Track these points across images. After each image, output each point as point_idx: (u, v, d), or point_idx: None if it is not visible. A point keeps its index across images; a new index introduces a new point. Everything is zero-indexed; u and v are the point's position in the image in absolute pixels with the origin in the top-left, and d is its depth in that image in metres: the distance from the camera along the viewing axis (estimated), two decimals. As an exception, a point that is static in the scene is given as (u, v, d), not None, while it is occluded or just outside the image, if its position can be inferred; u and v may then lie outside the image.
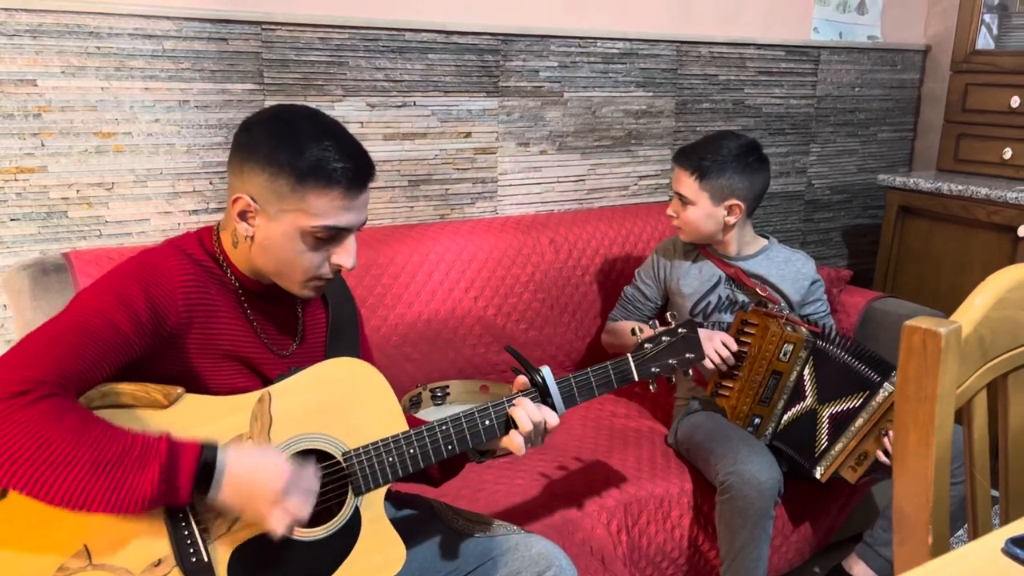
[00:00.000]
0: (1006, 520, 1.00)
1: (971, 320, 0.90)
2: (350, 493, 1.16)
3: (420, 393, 1.91)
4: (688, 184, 1.84)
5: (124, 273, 1.11)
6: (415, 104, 2.11)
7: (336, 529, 1.14)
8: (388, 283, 1.93)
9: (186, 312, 1.12)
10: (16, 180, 1.70)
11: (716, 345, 1.73)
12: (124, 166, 1.80)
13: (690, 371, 1.38)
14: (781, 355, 1.73)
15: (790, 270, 1.93)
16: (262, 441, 1.11)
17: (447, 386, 1.96)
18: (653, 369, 1.34)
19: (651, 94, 2.49)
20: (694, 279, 1.93)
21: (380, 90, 2.05)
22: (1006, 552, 0.77)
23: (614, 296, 2.26)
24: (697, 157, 1.83)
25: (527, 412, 1.22)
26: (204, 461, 1.01)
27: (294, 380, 1.15)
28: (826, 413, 1.72)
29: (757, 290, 1.87)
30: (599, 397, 2.15)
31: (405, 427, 1.19)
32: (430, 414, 1.89)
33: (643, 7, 2.43)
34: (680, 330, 1.36)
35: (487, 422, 1.22)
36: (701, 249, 1.95)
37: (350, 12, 1.97)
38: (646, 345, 1.34)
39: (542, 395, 1.26)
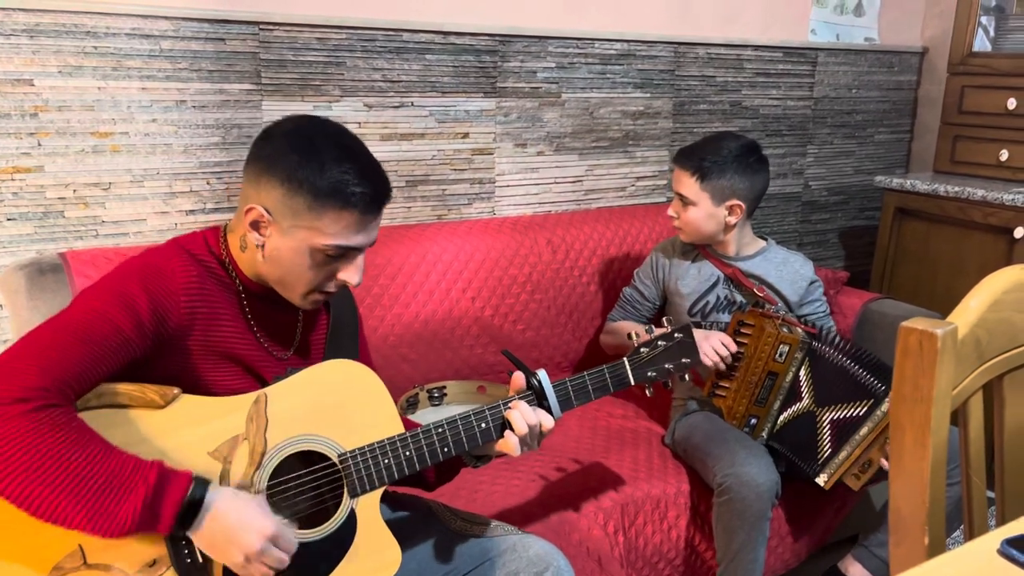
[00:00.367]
0: (1002, 521, 1.00)
1: (967, 321, 0.91)
2: (346, 495, 1.15)
3: (417, 394, 1.91)
4: (689, 185, 1.84)
5: (127, 273, 1.11)
6: (413, 105, 2.11)
7: (331, 531, 1.14)
8: (385, 283, 1.93)
9: (188, 313, 1.12)
10: (13, 180, 1.70)
11: (714, 344, 1.74)
12: (121, 166, 1.79)
13: (687, 376, 1.38)
14: (777, 356, 1.73)
15: (788, 271, 1.93)
16: (257, 442, 1.11)
17: (444, 387, 1.96)
18: (649, 373, 1.34)
19: (649, 95, 2.50)
20: (692, 279, 1.93)
21: (378, 90, 2.05)
22: (1002, 553, 0.78)
23: (611, 297, 2.26)
24: (698, 158, 1.84)
25: (523, 415, 1.22)
26: (192, 497, 1.00)
27: (290, 382, 1.15)
28: (826, 418, 1.71)
29: (755, 290, 1.87)
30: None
31: (401, 429, 1.19)
32: (427, 414, 1.89)
33: (641, 8, 2.43)
34: (676, 335, 1.36)
35: (483, 425, 1.22)
36: (700, 249, 1.95)
37: (348, 12, 1.97)
38: (642, 349, 1.34)
39: (538, 398, 1.26)
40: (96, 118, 1.75)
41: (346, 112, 2.02)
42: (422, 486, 1.37)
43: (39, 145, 1.71)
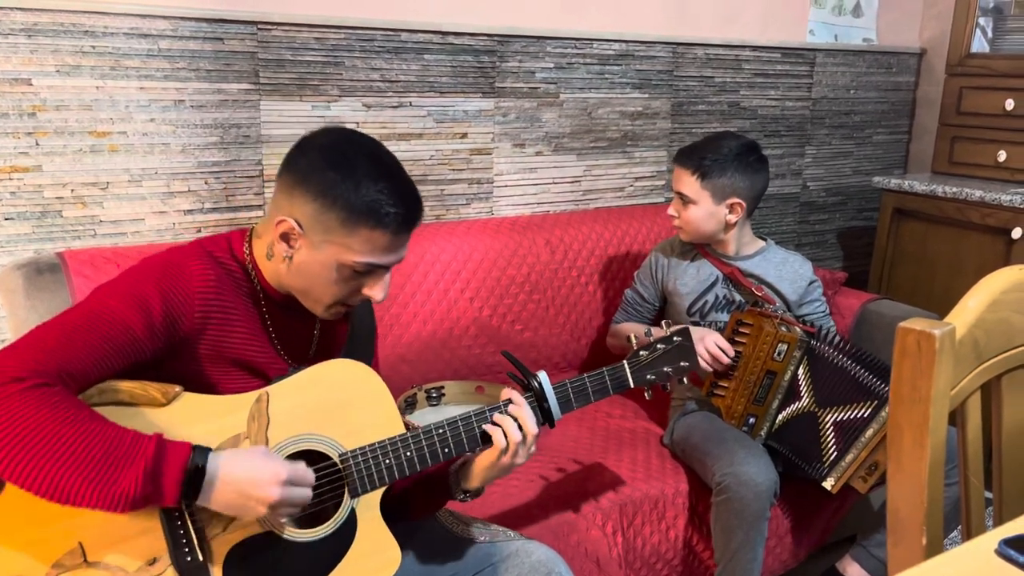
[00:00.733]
0: (1000, 521, 1.00)
1: (965, 322, 0.91)
2: (346, 495, 1.15)
3: (415, 394, 1.91)
4: (690, 183, 1.85)
5: (145, 272, 1.11)
6: (411, 105, 2.11)
7: (332, 531, 1.14)
8: (383, 284, 1.93)
9: (201, 317, 1.12)
10: (10, 179, 1.70)
11: (708, 345, 1.74)
12: (119, 166, 1.79)
13: (685, 379, 1.38)
14: (775, 355, 1.73)
15: (788, 270, 1.93)
16: (259, 440, 1.11)
17: (442, 387, 1.96)
18: (648, 376, 1.35)
19: (647, 95, 2.50)
20: (691, 278, 1.93)
21: (376, 90, 2.05)
22: (999, 553, 0.78)
23: (610, 297, 2.26)
24: (698, 156, 1.84)
25: (506, 430, 1.21)
26: (194, 465, 1.00)
27: (292, 381, 1.15)
28: (829, 419, 1.70)
29: (753, 290, 1.88)
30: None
31: (402, 429, 1.19)
32: (425, 415, 1.89)
33: (639, 9, 2.43)
34: (675, 338, 1.37)
35: (484, 426, 1.22)
36: (699, 249, 1.95)
37: (346, 12, 1.97)
38: (641, 353, 1.35)
39: (538, 400, 1.26)
40: (94, 117, 1.75)
41: (344, 112, 2.02)
42: (404, 516, 1.32)
43: (37, 144, 1.70)
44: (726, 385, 1.77)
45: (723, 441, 1.72)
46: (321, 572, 1.13)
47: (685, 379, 1.39)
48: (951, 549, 0.80)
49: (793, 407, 1.76)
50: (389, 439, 1.17)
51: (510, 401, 1.23)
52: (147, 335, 1.06)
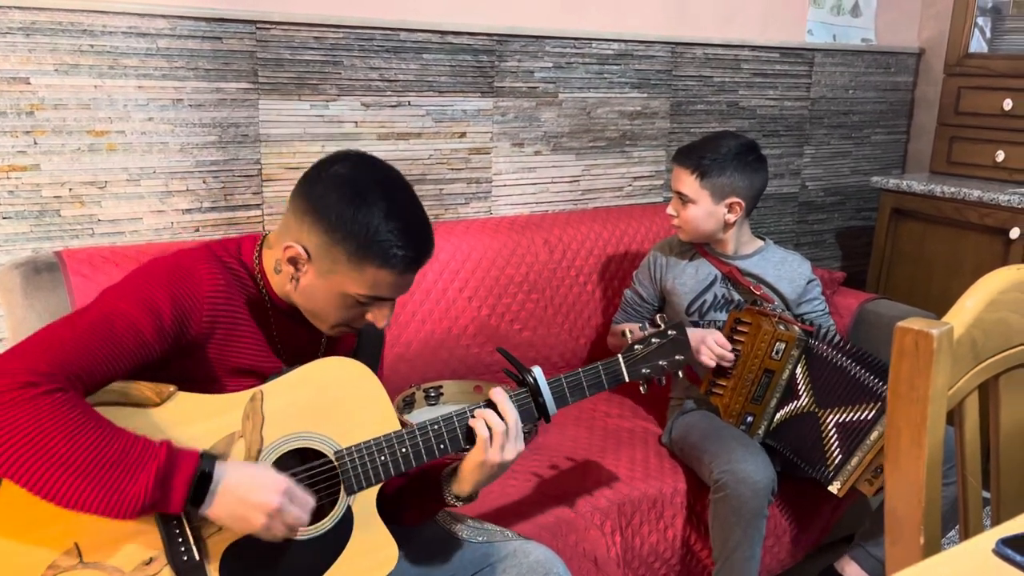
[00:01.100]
0: (997, 521, 1.00)
1: (963, 321, 0.91)
2: (342, 492, 1.15)
3: (414, 393, 1.91)
4: (689, 183, 1.85)
5: (154, 274, 1.11)
6: (410, 104, 2.11)
7: (328, 528, 1.14)
8: (382, 283, 1.93)
9: (209, 322, 1.12)
10: (8, 178, 1.69)
11: (709, 344, 1.74)
12: (117, 165, 1.79)
13: (680, 372, 1.38)
14: (773, 353, 1.73)
15: (786, 270, 1.93)
16: (254, 440, 1.11)
17: (441, 386, 1.96)
18: (644, 370, 1.35)
19: (646, 95, 2.50)
20: (690, 278, 1.93)
21: (375, 90, 2.05)
22: (997, 553, 0.78)
23: (609, 296, 2.26)
24: (697, 156, 1.84)
25: (487, 420, 1.20)
26: (201, 471, 1.01)
27: (286, 379, 1.15)
28: (831, 420, 1.70)
29: (752, 289, 1.88)
30: (593, 398, 2.16)
31: (397, 426, 1.19)
32: (424, 414, 1.88)
33: (638, 8, 2.43)
34: (669, 332, 1.37)
35: (468, 420, 1.22)
36: (698, 248, 1.95)
37: (345, 11, 1.97)
38: (636, 347, 1.35)
39: (533, 395, 1.26)
40: (92, 116, 1.74)
41: (343, 111, 2.02)
42: (397, 521, 1.29)
43: (35, 143, 1.70)
44: (724, 384, 1.78)
45: (721, 439, 1.72)
46: (318, 570, 1.13)
47: (680, 373, 1.39)
48: (949, 548, 0.80)
49: (791, 406, 1.76)
50: (384, 436, 1.17)
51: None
52: (156, 338, 1.06)
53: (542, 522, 1.60)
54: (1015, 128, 2.59)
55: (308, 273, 1.14)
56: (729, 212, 1.86)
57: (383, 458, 1.16)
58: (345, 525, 1.15)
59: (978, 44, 2.75)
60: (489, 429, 1.19)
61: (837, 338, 1.75)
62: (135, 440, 0.99)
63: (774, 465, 1.71)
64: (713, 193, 1.84)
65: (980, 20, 2.74)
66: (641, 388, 1.37)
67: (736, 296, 1.90)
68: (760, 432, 1.78)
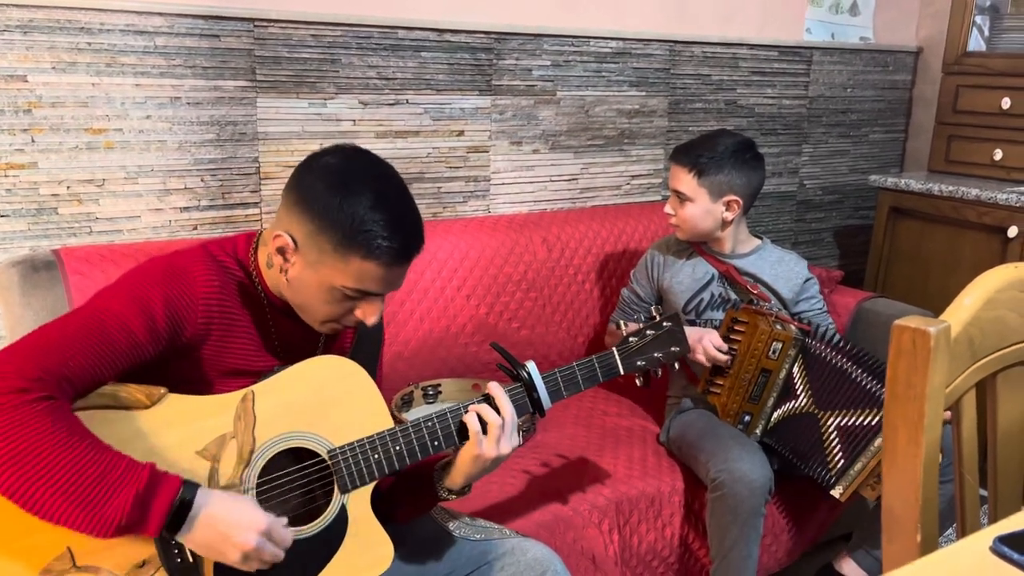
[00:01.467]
0: (994, 519, 1.00)
1: (960, 320, 0.91)
2: (336, 491, 1.15)
3: (412, 391, 1.91)
4: (686, 181, 1.85)
5: (149, 275, 1.10)
6: (408, 102, 2.11)
7: (322, 528, 1.14)
8: (380, 281, 1.93)
9: (204, 324, 1.12)
10: (6, 176, 1.69)
11: (705, 344, 1.74)
12: (115, 163, 1.79)
13: (676, 364, 1.37)
14: (770, 353, 1.73)
15: (783, 269, 1.93)
16: (246, 440, 1.11)
17: (439, 384, 1.96)
18: (639, 362, 1.34)
19: (644, 93, 2.50)
20: (687, 277, 1.93)
21: (373, 88, 2.05)
22: (994, 551, 0.78)
23: (607, 295, 2.26)
24: (695, 154, 1.84)
25: (482, 414, 1.19)
26: (181, 499, 0.99)
27: (278, 378, 1.14)
28: (832, 423, 1.69)
29: (749, 288, 1.88)
30: (591, 397, 2.16)
31: (390, 424, 1.18)
32: (422, 412, 1.88)
33: (637, 7, 2.43)
34: (664, 324, 1.36)
35: (463, 416, 1.21)
36: (695, 247, 1.95)
37: (343, 9, 1.97)
38: (631, 339, 1.34)
39: (528, 389, 1.25)
40: (90, 114, 1.74)
41: (341, 109, 2.02)
42: (392, 519, 1.29)
43: (33, 141, 1.70)
44: (721, 383, 1.78)
45: (718, 438, 1.72)
46: (313, 569, 1.13)
47: (676, 365, 1.38)
48: (946, 546, 0.80)
49: (789, 405, 1.76)
50: (377, 434, 1.17)
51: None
52: (149, 339, 1.06)
53: (540, 520, 1.60)
54: (1013, 127, 2.59)
55: (296, 264, 1.13)
56: (727, 210, 1.86)
57: (377, 456, 1.16)
58: (339, 524, 1.15)
59: (976, 43, 2.75)
60: (484, 423, 1.19)
61: (836, 338, 1.75)
62: (119, 459, 0.97)
63: (771, 464, 1.71)
64: (711, 191, 1.84)
65: (978, 19, 2.74)
66: (637, 381, 1.36)
67: (733, 295, 1.90)
68: (758, 431, 1.78)
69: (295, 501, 1.16)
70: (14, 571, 1.00)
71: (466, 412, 1.20)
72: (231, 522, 1.02)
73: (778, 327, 1.73)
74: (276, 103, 1.94)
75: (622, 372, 1.33)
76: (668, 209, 1.92)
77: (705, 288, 1.91)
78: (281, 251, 1.14)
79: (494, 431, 1.19)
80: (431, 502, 1.29)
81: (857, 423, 1.66)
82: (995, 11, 2.80)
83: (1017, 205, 2.38)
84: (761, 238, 1.99)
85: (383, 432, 1.17)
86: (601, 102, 2.42)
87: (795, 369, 1.75)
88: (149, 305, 1.06)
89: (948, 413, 0.93)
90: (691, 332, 1.66)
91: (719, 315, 1.89)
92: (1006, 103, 2.58)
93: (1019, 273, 0.95)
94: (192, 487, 1.01)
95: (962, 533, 1.00)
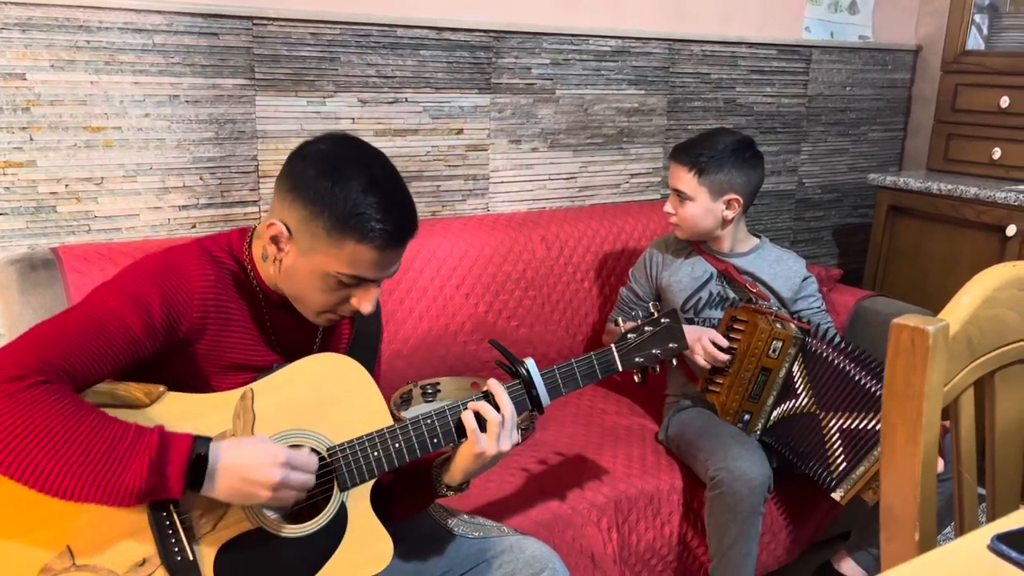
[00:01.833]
0: (992, 517, 1.01)
1: (959, 318, 0.91)
2: (336, 489, 1.15)
3: (411, 390, 1.91)
4: (686, 180, 1.85)
5: (145, 271, 1.10)
6: (407, 100, 2.10)
7: (322, 525, 1.14)
8: (379, 280, 1.93)
9: (200, 319, 1.12)
10: (4, 174, 1.69)
11: (704, 343, 1.74)
12: (113, 161, 1.79)
13: (674, 360, 1.37)
14: (770, 352, 1.73)
15: (782, 268, 1.93)
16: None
17: (438, 383, 1.96)
18: (637, 359, 1.34)
19: (643, 92, 2.50)
20: (686, 275, 1.93)
21: (372, 86, 2.05)
22: (992, 549, 0.78)
23: (606, 293, 2.26)
24: (695, 153, 1.84)
25: (482, 412, 1.19)
26: (196, 455, 1.00)
27: (277, 376, 1.14)
28: (834, 425, 1.68)
29: (747, 286, 1.88)
30: (590, 395, 2.16)
31: (390, 421, 1.19)
32: (421, 411, 1.88)
33: (636, 5, 2.43)
34: (663, 320, 1.35)
35: (461, 413, 1.21)
36: (694, 246, 1.95)
37: (342, 8, 1.97)
38: (629, 336, 1.34)
39: (527, 387, 1.25)
40: (89, 112, 1.74)
41: (340, 108, 2.02)
42: (388, 517, 1.27)
43: (31, 140, 1.70)
44: (721, 381, 1.78)
45: (717, 436, 1.72)
46: (313, 567, 1.13)
47: (675, 361, 1.38)
48: (944, 545, 0.80)
49: (789, 404, 1.76)
50: (377, 431, 1.17)
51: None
52: (146, 335, 1.06)
53: (538, 518, 1.60)
54: (1012, 125, 2.59)
55: (290, 253, 1.13)
56: (727, 209, 1.86)
57: (376, 453, 1.16)
58: (339, 521, 1.15)
59: (975, 41, 2.75)
60: (483, 420, 1.19)
61: (836, 338, 1.74)
62: (127, 428, 0.98)
63: (771, 462, 1.71)
64: (711, 190, 1.84)
65: (977, 17, 2.74)
66: (636, 378, 1.36)
67: (731, 294, 1.90)
68: (757, 430, 1.78)
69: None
70: (14, 570, 1.00)
71: (465, 409, 1.20)
72: (249, 464, 1.03)
73: (778, 326, 1.73)
74: (275, 101, 1.93)
75: (620, 369, 1.33)
76: (668, 208, 1.92)
77: (704, 287, 1.91)
78: (275, 240, 1.13)
79: (494, 428, 1.19)
80: (429, 499, 1.30)
81: (859, 426, 1.65)
82: (994, 10, 2.80)
83: (1015, 204, 2.38)
84: (760, 237, 1.99)
85: (382, 430, 1.17)
86: (600, 101, 2.42)
87: (795, 368, 1.75)
88: (145, 301, 1.07)
89: (947, 423, 0.93)
90: (690, 331, 1.66)
91: (717, 314, 1.89)
92: (1005, 102, 2.59)
93: (1017, 271, 0.96)
94: (204, 441, 1.02)
95: (960, 531, 1.00)
